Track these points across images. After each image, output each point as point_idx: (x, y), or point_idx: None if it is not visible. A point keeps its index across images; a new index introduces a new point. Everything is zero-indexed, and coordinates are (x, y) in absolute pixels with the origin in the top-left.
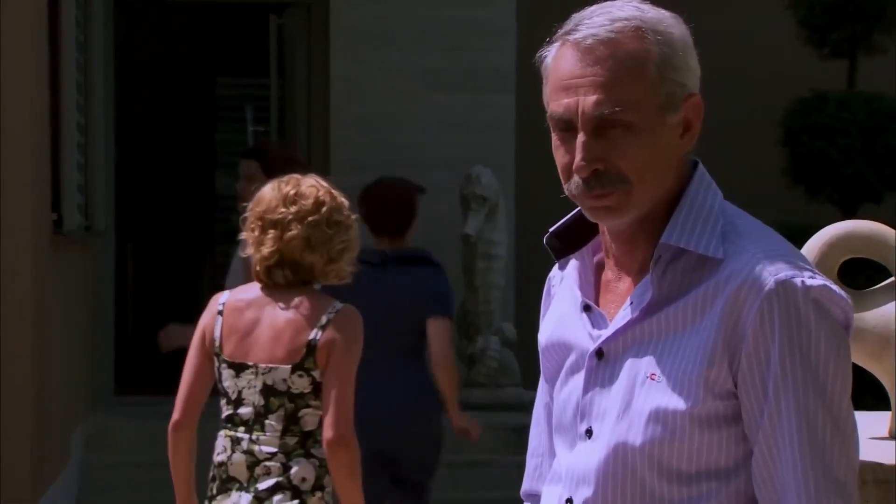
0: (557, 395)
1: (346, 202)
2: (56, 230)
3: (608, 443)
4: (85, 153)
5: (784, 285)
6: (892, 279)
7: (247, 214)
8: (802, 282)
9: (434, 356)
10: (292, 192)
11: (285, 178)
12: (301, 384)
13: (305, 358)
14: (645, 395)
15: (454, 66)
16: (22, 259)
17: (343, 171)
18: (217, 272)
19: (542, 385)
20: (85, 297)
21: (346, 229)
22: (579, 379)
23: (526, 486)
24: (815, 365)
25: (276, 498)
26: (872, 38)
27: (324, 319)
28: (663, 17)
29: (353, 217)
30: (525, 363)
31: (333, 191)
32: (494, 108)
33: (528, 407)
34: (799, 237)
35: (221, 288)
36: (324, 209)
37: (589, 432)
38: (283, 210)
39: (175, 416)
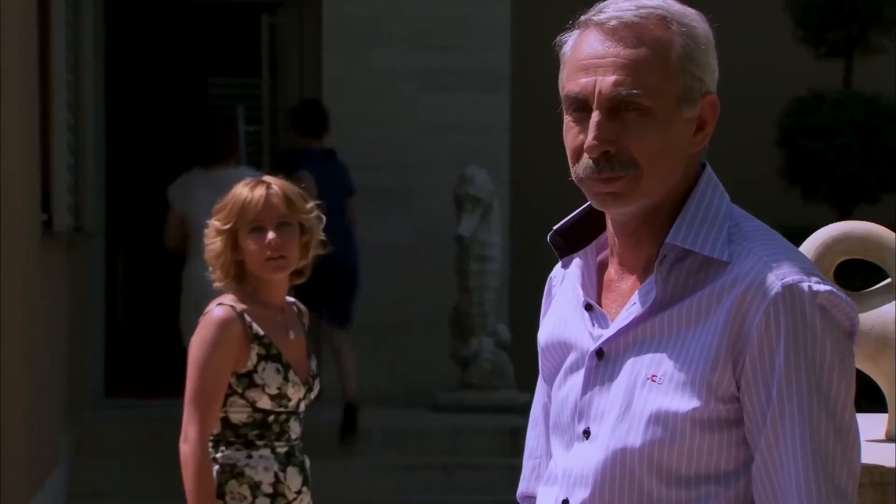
0: (555, 394)
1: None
2: (46, 231)
3: (607, 444)
4: (75, 154)
5: (791, 290)
6: (889, 280)
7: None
8: (809, 287)
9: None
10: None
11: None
12: None
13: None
14: (645, 396)
15: (448, 66)
16: (11, 260)
17: None
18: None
19: (540, 385)
20: (75, 299)
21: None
22: (578, 378)
23: (522, 487)
24: (820, 371)
25: None
26: (869, 38)
27: (198, 322)
28: (688, 12)
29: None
30: (519, 365)
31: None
32: (489, 108)
33: (522, 409)
34: (796, 239)
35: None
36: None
37: (587, 433)
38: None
39: None
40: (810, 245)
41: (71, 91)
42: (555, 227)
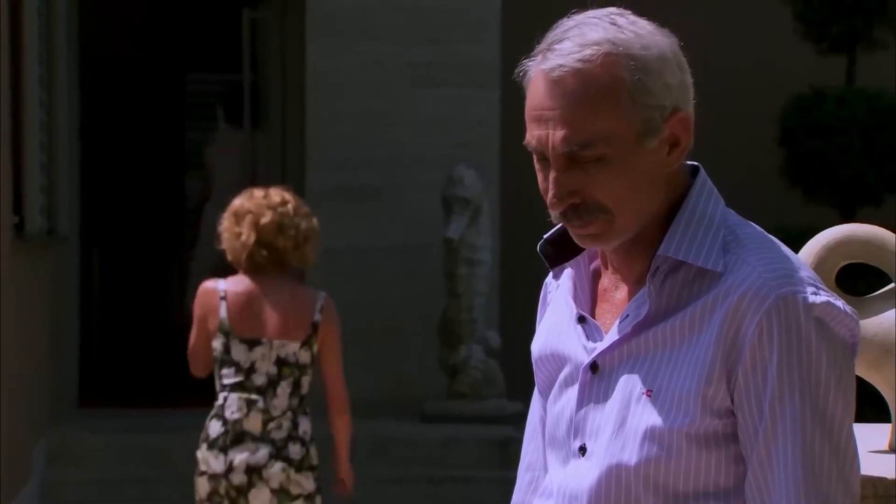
0: (551, 408)
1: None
2: (17, 233)
3: (602, 461)
4: (48, 153)
5: (785, 301)
6: (893, 285)
7: (222, 216)
8: (804, 298)
9: None
10: (261, 192)
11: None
12: (305, 357)
13: (311, 336)
14: (640, 412)
15: (436, 61)
16: None
17: (320, 170)
18: (187, 278)
19: (536, 396)
20: (48, 305)
21: (309, 219)
22: (573, 393)
23: (517, 499)
24: (815, 387)
25: (291, 447)
26: (872, 33)
27: (318, 305)
28: (639, 36)
29: (313, 215)
30: (510, 374)
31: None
32: (478, 105)
33: (512, 419)
34: (796, 241)
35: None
36: (290, 202)
37: (583, 449)
38: (255, 202)
39: (198, 373)
40: (811, 248)
41: (44, 87)
42: (545, 237)
